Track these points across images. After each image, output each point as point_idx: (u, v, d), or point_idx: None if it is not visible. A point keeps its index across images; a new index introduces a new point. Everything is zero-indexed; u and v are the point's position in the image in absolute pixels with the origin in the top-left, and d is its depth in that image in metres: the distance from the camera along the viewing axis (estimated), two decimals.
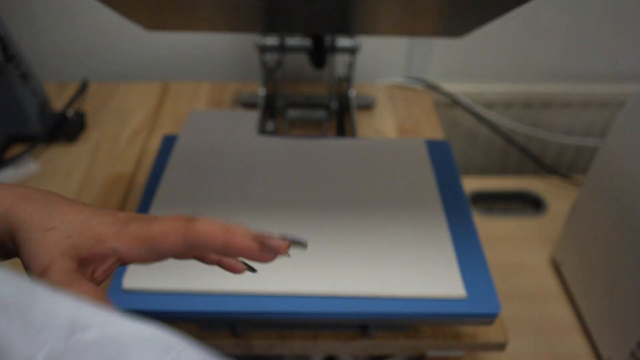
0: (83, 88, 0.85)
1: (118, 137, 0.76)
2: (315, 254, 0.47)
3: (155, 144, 0.75)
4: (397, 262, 0.46)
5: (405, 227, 0.50)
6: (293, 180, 0.55)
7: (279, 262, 0.45)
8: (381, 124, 0.80)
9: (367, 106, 0.83)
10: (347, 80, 0.81)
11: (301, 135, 0.69)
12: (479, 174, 1.10)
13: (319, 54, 0.71)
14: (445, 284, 0.44)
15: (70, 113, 0.76)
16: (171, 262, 0.45)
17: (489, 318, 0.43)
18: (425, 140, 0.61)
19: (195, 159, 0.58)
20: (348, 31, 0.57)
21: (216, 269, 0.37)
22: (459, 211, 0.52)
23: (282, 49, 0.73)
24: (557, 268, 0.73)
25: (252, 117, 0.66)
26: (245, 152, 0.59)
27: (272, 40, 0.73)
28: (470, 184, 0.88)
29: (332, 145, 0.61)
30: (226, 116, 0.66)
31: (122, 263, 0.30)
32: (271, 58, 0.81)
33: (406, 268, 0.45)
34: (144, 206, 0.51)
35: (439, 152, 0.60)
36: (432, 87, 0.91)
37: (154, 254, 0.29)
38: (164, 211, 0.51)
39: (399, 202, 0.53)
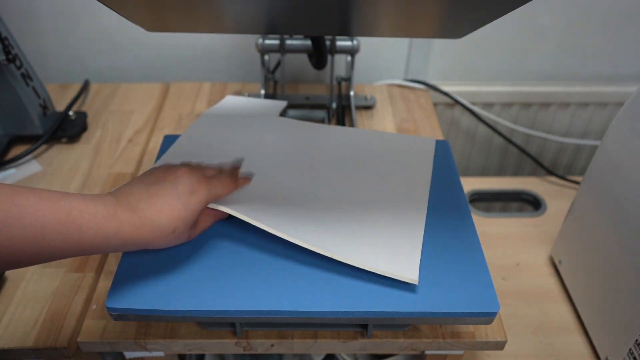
0: (84, 89, 0.85)
1: (119, 137, 0.77)
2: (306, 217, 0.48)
3: (156, 143, 0.75)
4: (369, 239, 0.47)
5: (386, 212, 0.51)
6: (290, 164, 0.56)
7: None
8: (381, 124, 0.80)
9: (367, 106, 0.83)
10: (347, 80, 0.82)
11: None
12: (478, 174, 1.10)
13: (319, 55, 0.71)
14: (403, 265, 0.45)
15: (72, 113, 0.77)
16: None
17: (488, 317, 0.44)
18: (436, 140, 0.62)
19: (194, 155, 0.58)
20: (348, 32, 0.57)
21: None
22: (458, 211, 0.53)
23: (282, 49, 0.74)
24: (555, 267, 0.73)
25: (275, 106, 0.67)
26: (247, 138, 0.60)
27: (272, 41, 0.73)
28: (469, 184, 0.89)
29: (340, 132, 0.62)
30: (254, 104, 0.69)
31: None
32: (271, 59, 0.81)
33: (373, 245, 0.47)
34: None
35: (438, 152, 0.61)
36: (432, 88, 0.91)
37: None
38: None
39: (389, 193, 0.54)
